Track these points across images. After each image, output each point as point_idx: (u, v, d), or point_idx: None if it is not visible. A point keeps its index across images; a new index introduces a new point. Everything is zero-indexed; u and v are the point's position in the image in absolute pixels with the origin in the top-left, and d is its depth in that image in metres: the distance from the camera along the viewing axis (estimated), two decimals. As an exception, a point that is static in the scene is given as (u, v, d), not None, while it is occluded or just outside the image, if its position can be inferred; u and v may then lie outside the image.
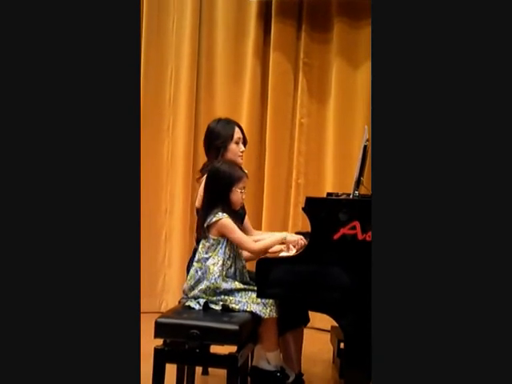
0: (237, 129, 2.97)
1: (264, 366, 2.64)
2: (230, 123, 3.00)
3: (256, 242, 2.68)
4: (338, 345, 3.11)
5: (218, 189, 2.62)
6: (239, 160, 2.93)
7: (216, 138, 2.93)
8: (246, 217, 3.00)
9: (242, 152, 2.97)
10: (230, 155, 2.91)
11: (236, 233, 2.58)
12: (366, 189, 2.90)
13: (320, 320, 3.64)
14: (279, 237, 2.68)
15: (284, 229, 4.21)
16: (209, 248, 2.60)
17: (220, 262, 2.57)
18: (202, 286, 2.56)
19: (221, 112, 4.24)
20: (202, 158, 4.16)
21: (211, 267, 2.56)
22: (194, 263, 2.63)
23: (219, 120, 3.03)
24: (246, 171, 2.75)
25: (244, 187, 2.67)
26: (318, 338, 3.69)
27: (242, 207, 2.91)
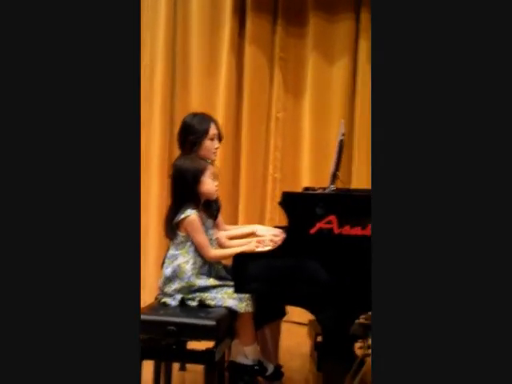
0: (212, 125, 2.91)
1: (241, 360, 2.64)
2: (205, 119, 2.93)
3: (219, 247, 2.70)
4: (316, 338, 3.12)
5: (186, 186, 2.59)
6: (213, 156, 2.88)
7: (191, 133, 2.86)
8: (219, 216, 2.97)
9: (216, 148, 2.92)
10: (203, 152, 2.85)
11: (198, 234, 2.56)
12: (341, 183, 2.91)
13: (298, 314, 3.64)
14: (240, 249, 2.56)
15: (261, 223, 4.18)
16: (178, 245, 2.59)
17: (191, 261, 2.56)
18: (177, 285, 2.55)
19: (196, 106, 4.22)
20: (178, 153, 4.17)
21: (183, 265, 2.55)
22: (166, 260, 2.63)
23: (195, 115, 2.96)
24: (209, 161, 2.73)
25: (213, 175, 2.65)
26: (296, 331, 3.70)
27: (216, 201, 2.89)
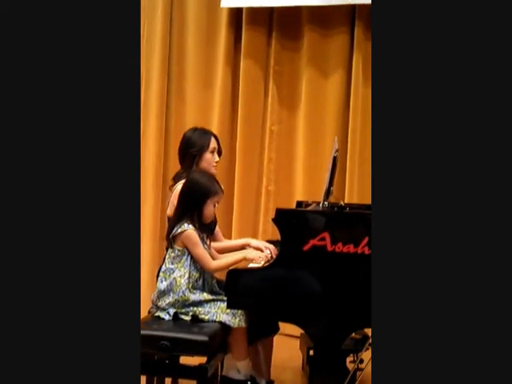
0: (213, 138, 2.99)
1: (234, 375, 2.65)
2: (206, 133, 3.01)
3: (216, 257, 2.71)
4: (308, 352, 3.13)
5: (193, 199, 2.62)
6: (213, 170, 2.95)
7: (191, 146, 2.94)
8: (217, 226, 3.01)
9: (216, 162, 2.99)
10: (204, 164, 2.92)
11: (197, 248, 2.58)
12: (335, 198, 2.93)
13: (290, 327, 3.64)
14: (240, 256, 2.67)
15: (254, 235, 4.21)
16: (174, 258, 2.60)
17: (186, 275, 2.57)
18: (170, 298, 2.56)
19: (191, 119, 4.26)
20: (173, 165, 4.18)
21: (178, 280, 2.56)
22: (160, 273, 2.64)
23: (195, 129, 3.04)
24: (223, 187, 2.78)
25: (218, 202, 2.69)
26: (288, 344, 3.70)
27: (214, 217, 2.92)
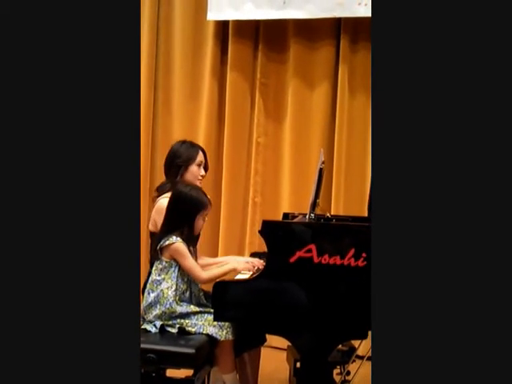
0: (200, 152, 2.98)
1: (220, 388, 2.65)
2: (194, 146, 3.00)
3: (206, 269, 2.69)
4: (295, 364, 3.13)
5: (184, 213, 2.62)
6: (197, 183, 2.93)
7: (178, 157, 2.92)
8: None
9: (202, 176, 2.97)
10: (189, 176, 2.91)
11: (187, 259, 2.57)
12: (321, 210, 2.94)
13: (276, 339, 3.63)
14: (229, 267, 2.67)
15: (241, 247, 4.23)
16: (161, 270, 2.60)
17: (174, 287, 2.57)
18: (157, 311, 2.56)
19: (178, 131, 4.27)
20: (159, 176, 4.17)
21: (165, 291, 2.56)
22: (147, 285, 2.63)
23: (184, 142, 3.03)
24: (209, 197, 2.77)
25: (207, 215, 2.69)
26: (275, 356, 3.69)
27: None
